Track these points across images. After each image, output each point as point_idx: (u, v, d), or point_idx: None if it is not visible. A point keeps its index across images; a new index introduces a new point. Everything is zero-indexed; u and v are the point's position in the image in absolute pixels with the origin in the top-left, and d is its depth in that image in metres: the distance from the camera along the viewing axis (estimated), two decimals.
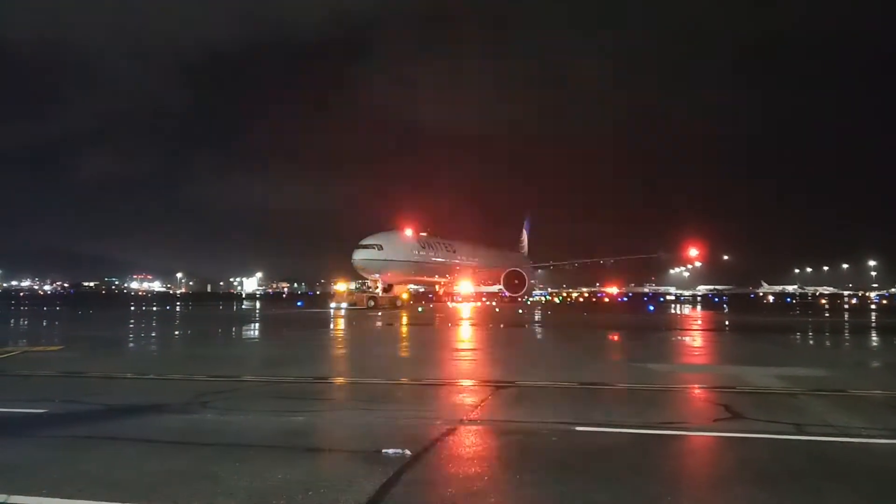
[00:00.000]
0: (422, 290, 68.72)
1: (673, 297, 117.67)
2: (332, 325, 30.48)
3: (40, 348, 17.61)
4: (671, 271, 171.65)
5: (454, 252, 64.71)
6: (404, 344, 21.62)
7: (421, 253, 57.58)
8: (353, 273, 53.88)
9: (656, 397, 10.33)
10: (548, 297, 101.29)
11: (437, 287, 66.58)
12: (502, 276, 63.34)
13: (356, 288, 52.61)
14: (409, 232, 57.64)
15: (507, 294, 62.91)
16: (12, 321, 33.08)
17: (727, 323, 34.19)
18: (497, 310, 48.45)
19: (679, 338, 23.91)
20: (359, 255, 51.28)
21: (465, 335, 24.84)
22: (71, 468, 5.99)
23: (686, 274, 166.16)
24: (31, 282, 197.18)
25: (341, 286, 54.09)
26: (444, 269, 62.78)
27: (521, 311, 48.01)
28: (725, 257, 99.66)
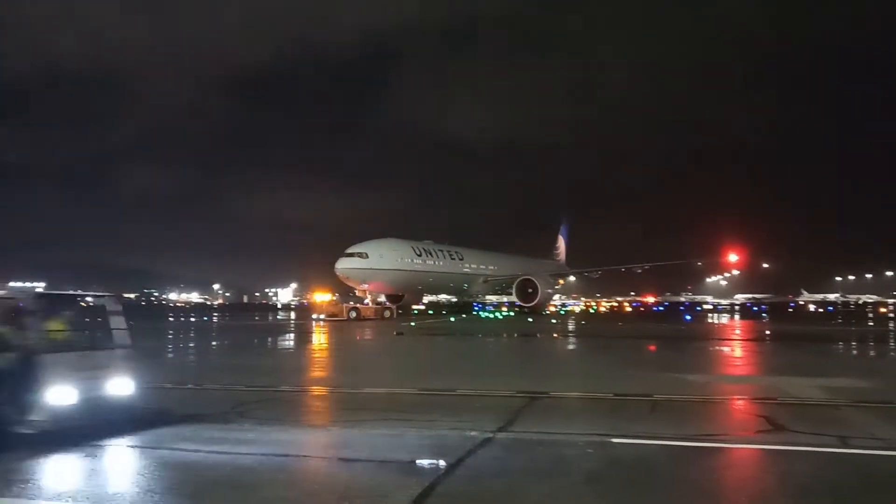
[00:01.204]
0: (454, 299, 66.71)
1: (710, 307, 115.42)
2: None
3: None
4: (708, 280, 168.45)
5: (461, 260, 60.62)
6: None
7: (416, 261, 53.30)
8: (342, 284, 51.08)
9: (695, 409, 10.15)
10: (581, 306, 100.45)
11: (454, 297, 64.35)
12: (514, 285, 59.15)
13: (358, 300, 49.93)
14: (400, 239, 54.23)
15: (519, 303, 58.62)
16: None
17: (767, 332, 33.48)
18: (529, 320, 48.14)
19: (717, 348, 23.49)
20: (341, 264, 48.07)
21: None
22: (115, 476, 6.12)
23: (723, 283, 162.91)
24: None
25: (322, 296, 51.29)
26: (449, 279, 59.54)
27: (554, 320, 47.67)
28: (765, 265, 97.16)
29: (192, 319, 53.07)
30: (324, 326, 37.78)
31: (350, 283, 49.70)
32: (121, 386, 8.14)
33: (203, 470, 6.42)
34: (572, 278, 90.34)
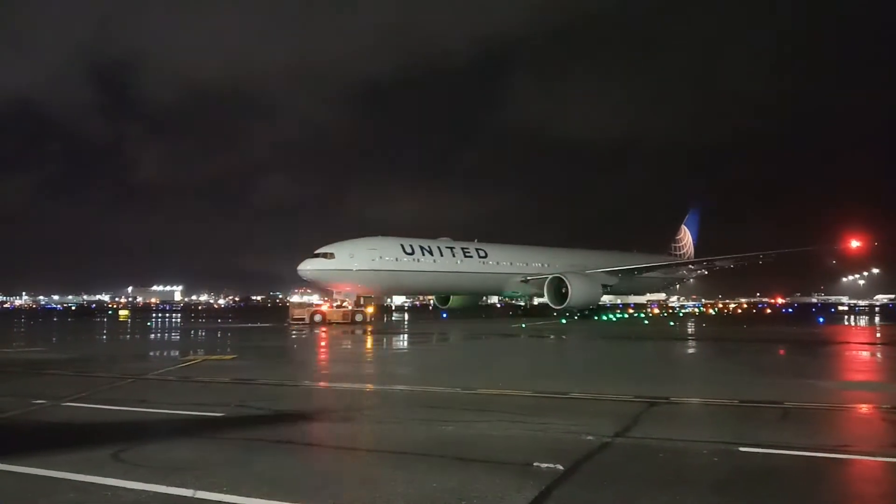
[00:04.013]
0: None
1: (846, 308, 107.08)
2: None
3: (216, 357, 19.31)
4: (843, 279, 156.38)
5: (483, 258, 54.34)
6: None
7: (403, 259, 48.56)
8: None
9: (831, 418, 9.51)
10: (701, 308, 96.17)
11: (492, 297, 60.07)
12: (544, 285, 52.28)
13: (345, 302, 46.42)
14: (389, 237, 49.94)
15: (552, 306, 52.43)
16: (192, 332, 36.48)
17: None
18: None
19: (854, 352, 21.81)
20: (303, 266, 44.85)
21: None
22: (246, 468, 6.54)
23: (861, 282, 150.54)
24: (208, 296, 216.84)
25: (296, 298, 48.36)
26: (464, 278, 53.23)
27: (672, 321, 45.96)
28: None
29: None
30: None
31: (323, 286, 47.48)
32: None
33: (327, 463, 6.71)
34: (691, 281, 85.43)
